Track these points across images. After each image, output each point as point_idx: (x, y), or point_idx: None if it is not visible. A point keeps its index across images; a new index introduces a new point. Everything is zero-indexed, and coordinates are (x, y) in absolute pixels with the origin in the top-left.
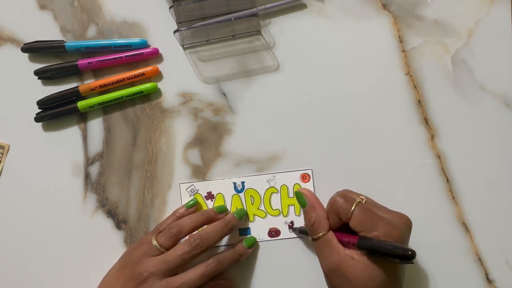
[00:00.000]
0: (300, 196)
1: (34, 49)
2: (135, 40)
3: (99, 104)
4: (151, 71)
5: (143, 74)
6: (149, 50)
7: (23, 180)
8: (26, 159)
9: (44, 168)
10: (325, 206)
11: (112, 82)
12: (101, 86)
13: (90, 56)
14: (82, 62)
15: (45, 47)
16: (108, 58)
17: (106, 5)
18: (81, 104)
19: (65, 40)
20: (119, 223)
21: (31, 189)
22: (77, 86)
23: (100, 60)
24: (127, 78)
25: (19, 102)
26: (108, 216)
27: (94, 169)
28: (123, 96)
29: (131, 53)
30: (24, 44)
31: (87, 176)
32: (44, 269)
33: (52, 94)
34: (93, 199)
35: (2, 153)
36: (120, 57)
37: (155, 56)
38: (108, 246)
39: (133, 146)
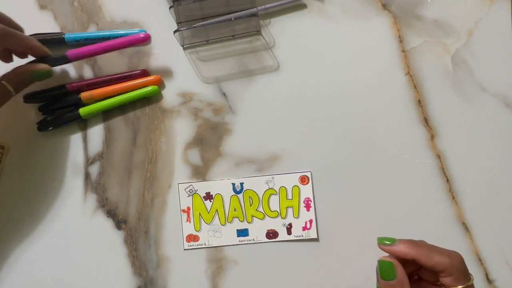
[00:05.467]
0: (388, 267)
1: None
2: (134, 31)
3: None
4: (153, 81)
5: (146, 84)
6: (141, 36)
7: (23, 180)
8: (26, 159)
9: (44, 168)
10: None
11: (114, 93)
12: (103, 97)
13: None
14: (71, 52)
15: (44, 40)
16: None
17: (106, 5)
18: (83, 111)
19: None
20: (119, 223)
21: (31, 189)
22: (79, 94)
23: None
24: (130, 89)
25: (18, 101)
26: (108, 216)
27: (94, 169)
28: (124, 101)
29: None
30: None
31: (87, 176)
32: (44, 269)
33: (54, 101)
34: (93, 199)
35: (2, 153)
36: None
37: (146, 41)
38: (108, 246)
39: (133, 146)
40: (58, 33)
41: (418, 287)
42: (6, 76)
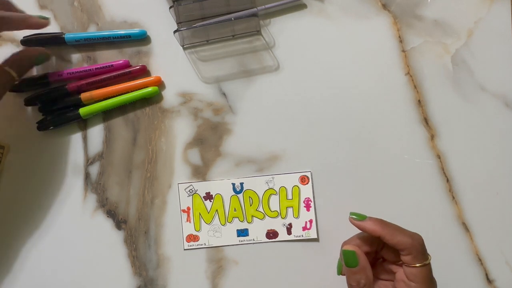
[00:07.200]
0: (351, 256)
1: (33, 41)
2: (135, 30)
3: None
4: (153, 81)
5: (146, 85)
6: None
7: (23, 180)
8: (26, 159)
9: (44, 168)
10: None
11: (114, 93)
12: (103, 97)
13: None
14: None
15: (44, 39)
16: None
17: (106, 5)
18: (83, 111)
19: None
20: (119, 223)
21: (31, 189)
22: (79, 94)
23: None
24: (130, 90)
25: (18, 101)
26: (108, 216)
27: (94, 169)
28: (124, 102)
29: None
30: (24, 37)
31: (87, 176)
32: (44, 269)
33: (54, 101)
34: (93, 199)
35: (2, 153)
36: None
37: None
38: (108, 246)
39: (133, 146)
40: (58, 33)
41: (381, 267)
42: (7, 62)
